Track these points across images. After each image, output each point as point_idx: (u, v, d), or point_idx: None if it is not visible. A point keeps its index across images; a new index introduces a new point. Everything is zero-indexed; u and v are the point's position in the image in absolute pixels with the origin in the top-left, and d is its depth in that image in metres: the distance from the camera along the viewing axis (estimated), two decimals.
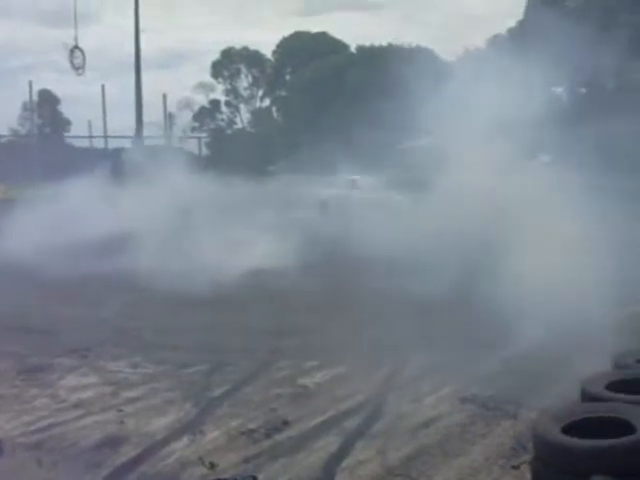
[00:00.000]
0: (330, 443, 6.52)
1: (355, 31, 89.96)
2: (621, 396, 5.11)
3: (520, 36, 31.58)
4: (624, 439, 4.51)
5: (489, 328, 9.26)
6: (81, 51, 32.22)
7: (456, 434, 6.67)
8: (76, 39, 32.20)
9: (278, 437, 6.69)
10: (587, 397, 5.30)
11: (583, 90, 35.04)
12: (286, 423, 6.97)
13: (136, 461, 6.32)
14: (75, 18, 32.46)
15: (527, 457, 5.69)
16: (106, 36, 71.94)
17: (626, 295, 10.35)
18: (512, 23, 42.81)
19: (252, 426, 6.91)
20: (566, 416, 4.93)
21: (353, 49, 56.94)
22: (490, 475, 5.87)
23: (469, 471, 5.97)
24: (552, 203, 11.80)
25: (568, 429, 4.70)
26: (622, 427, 4.67)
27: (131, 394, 8.08)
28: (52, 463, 6.37)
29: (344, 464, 6.12)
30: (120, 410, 7.55)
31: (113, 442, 6.73)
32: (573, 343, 8.48)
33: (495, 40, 39.03)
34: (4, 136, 42.54)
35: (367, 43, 54.64)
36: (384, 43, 52.17)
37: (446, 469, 6.01)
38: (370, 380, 8.21)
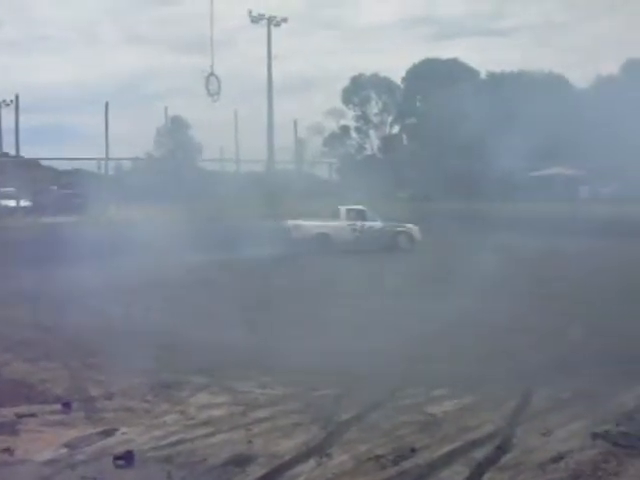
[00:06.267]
0: (458, 473, 6.41)
1: (486, 57, 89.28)
2: None
3: None
4: None
5: None
6: (217, 78, 33.20)
7: (588, 471, 6.43)
8: (212, 67, 33.18)
9: (405, 464, 6.61)
10: None
11: None
12: (413, 450, 6.89)
13: None
14: (212, 46, 33.43)
15: None
16: (239, 62, 73.32)
17: None
18: None
19: (380, 452, 6.87)
20: None
21: (483, 75, 56.63)
22: None
23: None
24: None
25: None
26: None
27: (260, 414, 8.16)
28: (181, 478, 6.48)
29: None
30: (248, 430, 7.63)
31: (241, 461, 6.79)
32: None
33: (629, 65, 37.68)
34: (140, 159, 43.82)
35: (497, 69, 54.29)
36: (515, 69, 51.66)
37: None
38: (498, 411, 8.05)
